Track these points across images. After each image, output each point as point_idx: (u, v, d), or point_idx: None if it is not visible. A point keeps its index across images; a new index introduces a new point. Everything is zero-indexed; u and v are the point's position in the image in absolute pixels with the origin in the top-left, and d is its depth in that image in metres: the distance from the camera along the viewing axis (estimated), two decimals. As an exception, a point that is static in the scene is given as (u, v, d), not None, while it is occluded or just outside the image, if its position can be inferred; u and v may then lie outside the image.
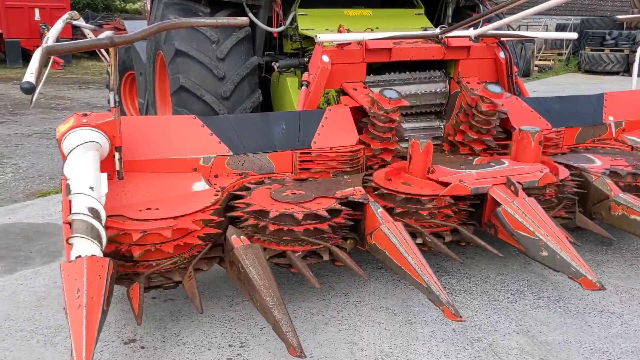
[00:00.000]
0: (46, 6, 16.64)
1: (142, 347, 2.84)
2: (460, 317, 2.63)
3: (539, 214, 3.18)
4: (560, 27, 21.00)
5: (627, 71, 16.58)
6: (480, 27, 4.31)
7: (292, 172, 3.56)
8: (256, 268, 2.63)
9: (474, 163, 3.79)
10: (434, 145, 4.25)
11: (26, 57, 15.50)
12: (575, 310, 3.22)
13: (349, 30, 4.26)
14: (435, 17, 5.34)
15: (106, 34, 2.82)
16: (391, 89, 3.74)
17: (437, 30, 4.15)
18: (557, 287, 3.47)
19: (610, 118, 4.53)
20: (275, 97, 4.83)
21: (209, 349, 2.83)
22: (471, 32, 4.21)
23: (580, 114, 4.46)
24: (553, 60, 19.64)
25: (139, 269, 2.79)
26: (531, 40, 16.66)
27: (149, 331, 2.98)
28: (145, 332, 2.97)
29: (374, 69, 4.28)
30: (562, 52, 20.44)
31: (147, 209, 2.88)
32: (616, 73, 17.31)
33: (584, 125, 4.42)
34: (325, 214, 3.00)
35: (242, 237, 2.87)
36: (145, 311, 3.14)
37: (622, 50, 17.33)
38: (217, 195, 3.11)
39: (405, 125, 4.35)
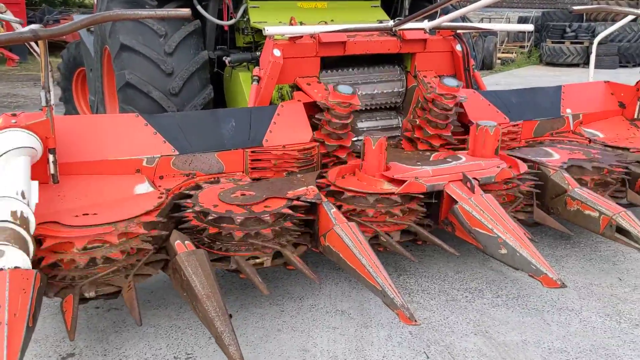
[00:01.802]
0: (0, 1, 16.08)
1: (81, 362, 2.67)
2: (416, 321, 2.53)
3: (496, 210, 3.10)
4: (522, 20, 21.19)
5: (587, 63, 16.74)
6: (437, 19, 4.22)
7: (243, 172, 3.41)
8: (199, 276, 2.48)
9: (430, 159, 3.68)
10: (392, 141, 4.16)
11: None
12: (534, 309, 3.15)
13: (301, 23, 4.11)
14: (392, 10, 5.23)
15: (31, 27, 2.62)
16: (346, 84, 3.62)
17: (391, 23, 4.03)
18: (515, 284, 3.41)
19: (568, 110, 4.48)
20: (228, 93, 4.66)
21: (153, 362, 2.68)
22: (426, 24, 4.11)
23: (538, 106, 4.40)
24: (515, 52, 19.81)
25: (74, 280, 2.60)
26: (494, 33, 16.78)
27: (89, 344, 2.80)
28: (85, 346, 2.79)
29: (329, 63, 4.15)
30: (524, 44, 20.63)
31: (83, 215, 2.71)
32: (576, 65, 17.52)
33: (542, 118, 4.36)
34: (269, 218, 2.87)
35: (186, 242, 2.71)
36: (86, 322, 2.97)
37: (582, 43, 17.53)
38: (162, 197, 2.95)
39: (362, 121, 4.24)
